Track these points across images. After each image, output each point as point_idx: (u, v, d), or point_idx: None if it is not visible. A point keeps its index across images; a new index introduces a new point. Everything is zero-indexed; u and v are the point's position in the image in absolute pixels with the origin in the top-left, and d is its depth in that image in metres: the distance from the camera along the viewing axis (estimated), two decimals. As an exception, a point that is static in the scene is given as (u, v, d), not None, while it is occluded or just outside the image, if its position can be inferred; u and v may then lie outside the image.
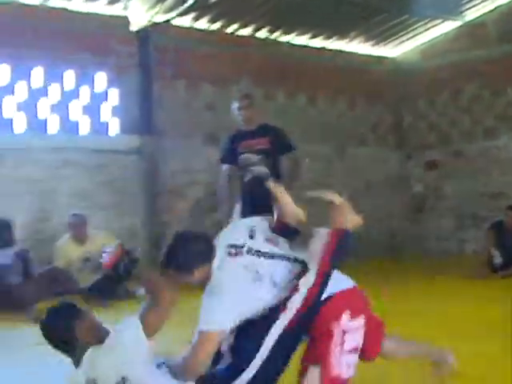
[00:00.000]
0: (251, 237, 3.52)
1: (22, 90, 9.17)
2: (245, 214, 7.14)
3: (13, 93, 9.11)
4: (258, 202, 6.77)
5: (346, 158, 12.41)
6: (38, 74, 9.26)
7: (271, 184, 4.21)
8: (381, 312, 5.31)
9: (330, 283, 3.32)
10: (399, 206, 13.06)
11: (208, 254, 3.36)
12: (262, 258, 3.40)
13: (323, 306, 3.28)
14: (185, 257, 3.32)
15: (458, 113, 12.44)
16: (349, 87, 12.41)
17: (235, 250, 3.40)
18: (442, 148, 12.61)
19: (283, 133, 7.31)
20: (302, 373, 3.23)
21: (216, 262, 3.35)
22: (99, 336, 3.09)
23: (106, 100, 9.91)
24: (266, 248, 3.46)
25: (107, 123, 9.92)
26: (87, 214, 8.35)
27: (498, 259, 8.95)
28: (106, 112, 9.89)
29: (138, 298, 7.82)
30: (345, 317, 3.30)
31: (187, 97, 10.64)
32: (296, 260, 3.44)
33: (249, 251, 3.41)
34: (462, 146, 12.32)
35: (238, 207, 7.95)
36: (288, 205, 3.80)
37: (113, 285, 7.85)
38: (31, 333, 5.71)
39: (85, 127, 9.69)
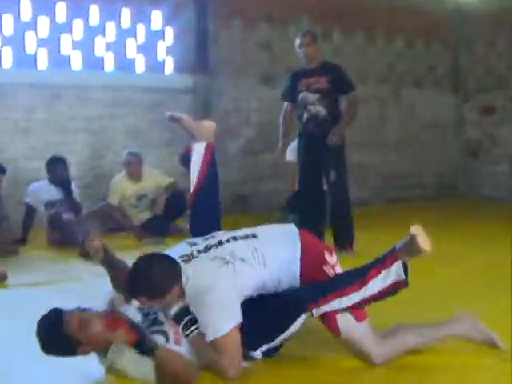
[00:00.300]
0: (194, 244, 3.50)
1: (77, 28, 9.20)
2: (300, 152, 7.19)
3: (70, 31, 9.15)
4: (313, 142, 6.90)
5: (401, 100, 12.27)
6: (94, 13, 9.28)
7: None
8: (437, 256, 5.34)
9: (289, 237, 3.50)
10: (454, 151, 12.92)
11: (176, 274, 3.26)
12: (217, 247, 3.41)
13: (304, 257, 3.43)
14: (154, 282, 3.21)
15: (517, 56, 12.17)
16: (407, 27, 12.18)
17: (187, 257, 3.37)
18: (499, 92, 12.37)
19: (344, 72, 7.06)
20: (330, 324, 3.31)
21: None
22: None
23: (162, 39, 9.90)
24: (213, 240, 3.49)
25: (162, 62, 9.93)
26: (142, 151, 8.45)
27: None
28: (161, 51, 9.90)
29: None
30: (326, 254, 3.52)
31: (243, 36, 10.55)
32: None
33: (200, 251, 3.40)
34: (519, 91, 12.09)
35: (293, 145, 7.97)
36: None
37: (165, 222, 8.01)
38: (83, 268, 5.91)
39: (140, 66, 9.72)
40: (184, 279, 3.25)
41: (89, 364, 3.35)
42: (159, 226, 7.90)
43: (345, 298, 3.28)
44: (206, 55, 10.15)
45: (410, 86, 12.29)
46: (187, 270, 3.28)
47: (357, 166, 11.38)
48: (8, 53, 8.80)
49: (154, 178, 8.36)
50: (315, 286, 3.38)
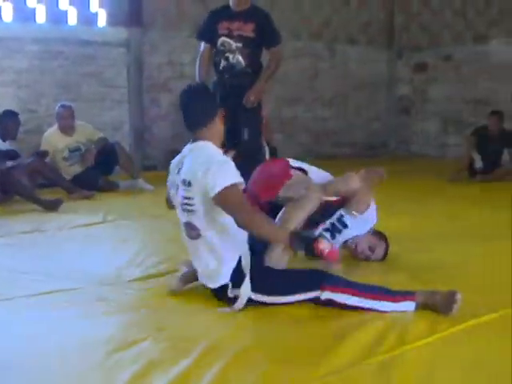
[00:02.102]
0: None
1: (9, -22, 9.02)
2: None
3: (0, -19, 8.97)
4: (229, 94, 6.19)
5: (335, 56, 12.34)
6: (26, -38, 9.11)
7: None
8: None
9: None
10: (386, 108, 13.10)
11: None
12: None
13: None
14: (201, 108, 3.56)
15: (451, 15, 12.32)
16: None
17: None
18: (432, 50, 12.55)
19: (273, 22, 6.32)
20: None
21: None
22: None
23: (95, -10, 9.76)
24: None
25: (95, 14, 9.79)
26: (74, 106, 8.39)
27: (478, 163, 9.06)
28: (94, 3, 9.75)
29: (119, 191, 8.03)
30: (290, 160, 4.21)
31: (177, -12, 10.46)
32: None
33: None
34: (452, 50, 12.26)
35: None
36: None
37: (95, 176, 8.02)
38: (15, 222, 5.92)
39: (72, 18, 9.57)
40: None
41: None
42: (90, 180, 7.91)
43: (356, 298, 3.38)
44: (140, 8, 10.03)
45: (344, 42, 12.36)
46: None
47: (288, 121, 11.51)
48: None
49: (87, 132, 8.34)
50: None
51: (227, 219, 3.42)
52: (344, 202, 4.20)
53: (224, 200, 3.33)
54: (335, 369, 2.66)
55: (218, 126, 3.57)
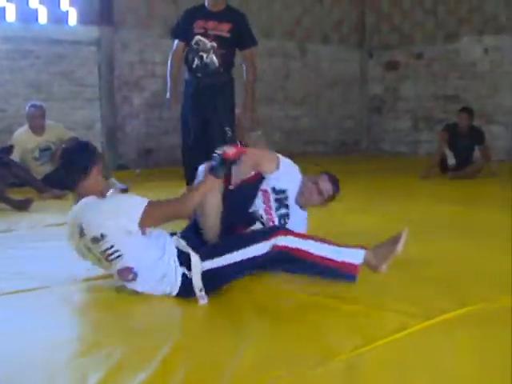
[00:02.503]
0: None
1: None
2: (186, 108, 6.49)
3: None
4: (201, 93, 6.26)
5: (307, 55, 12.38)
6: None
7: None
8: (340, 210, 5.54)
9: None
10: (358, 107, 13.16)
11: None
12: None
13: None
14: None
15: (421, 14, 12.40)
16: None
17: None
18: (402, 49, 12.64)
19: (248, 24, 6.40)
20: None
21: None
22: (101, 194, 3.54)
23: (65, -11, 9.71)
24: None
25: (66, 13, 9.74)
26: (45, 105, 8.34)
27: (451, 160, 9.11)
28: (64, 1, 9.70)
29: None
30: None
31: (148, -14, 10.44)
32: None
33: None
34: (423, 48, 12.35)
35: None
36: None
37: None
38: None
39: (42, 17, 9.51)
40: None
41: None
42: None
43: (311, 241, 3.59)
44: (111, 6, 10.00)
45: (316, 41, 12.40)
46: None
47: (262, 120, 11.49)
48: None
49: (57, 131, 8.29)
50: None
51: (146, 239, 3.46)
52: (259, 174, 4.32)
53: (151, 218, 3.41)
54: (302, 369, 2.65)
55: (96, 178, 3.57)
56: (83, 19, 9.83)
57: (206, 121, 6.33)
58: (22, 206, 6.54)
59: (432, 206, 6.69)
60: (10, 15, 9.21)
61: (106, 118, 9.98)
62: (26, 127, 8.20)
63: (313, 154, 11.85)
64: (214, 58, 6.19)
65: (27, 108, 8.21)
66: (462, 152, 9.12)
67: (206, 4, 6.30)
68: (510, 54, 11.23)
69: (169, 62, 6.49)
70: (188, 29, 6.25)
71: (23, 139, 8.11)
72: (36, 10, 9.44)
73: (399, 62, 12.70)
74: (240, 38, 6.28)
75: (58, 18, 9.64)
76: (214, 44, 6.15)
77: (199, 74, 6.28)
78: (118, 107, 10.10)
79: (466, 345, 2.90)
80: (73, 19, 9.78)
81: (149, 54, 10.36)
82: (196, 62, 6.24)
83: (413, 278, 3.85)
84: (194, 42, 6.20)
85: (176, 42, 6.43)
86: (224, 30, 6.18)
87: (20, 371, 2.67)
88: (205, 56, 6.19)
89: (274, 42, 11.68)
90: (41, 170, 8.03)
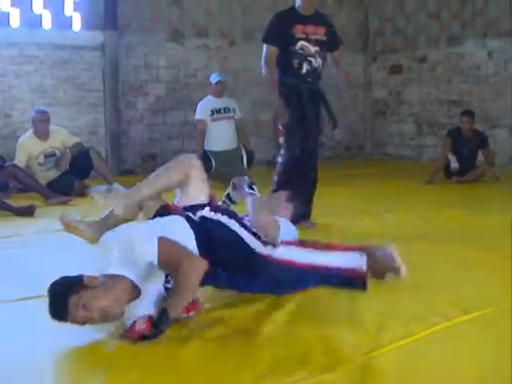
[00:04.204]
0: None
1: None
2: (295, 115, 6.05)
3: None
4: (313, 97, 6.06)
5: (311, 60, 12.36)
6: (-1, -35, 9.07)
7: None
8: (346, 211, 5.51)
9: None
10: (362, 110, 13.16)
11: None
12: None
13: None
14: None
15: (425, 18, 12.41)
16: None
17: None
18: (406, 53, 12.64)
19: (334, 25, 6.29)
20: None
21: None
22: None
23: (70, -6, 9.74)
24: None
25: (70, 18, 9.78)
26: (49, 110, 8.36)
27: (455, 164, 9.09)
28: (69, 6, 9.74)
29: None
30: None
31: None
32: None
33: None
34: (427, 52, 12.35)
35: (202, 104, 7.95)
36: None
37: (71, 181, 7.98)
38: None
39: (47, 22, 9.55)
40: None
41: None
42: (65, 185, 7.88)
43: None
44: (115, 11, 10.03)
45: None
46: None
47: (266, 124, 11.53)
48: None
49: (61, 137, 8.31)
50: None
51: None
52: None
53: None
54: (309, 375, 2.66)
55: None
56: (87, 24, 9.86)
57: (313, 127, 6.15)
58: (26, 213, 6.56)
59: (436, 211, 6.70)
60: (15, 20, 9.25)
61: (110, 123, 10.01)
62: (30, 132, 8.22)
63: (320, 158, 11.82)
64: (320, 61, 6.03)
65: (32, 113, 8.23)
66: (465, 156, 9.12)
67: (298, 7, 6.03)
68: (513, 57, 11.24)
69: (264, 66, 6.03)
70: (286, 34, 5.94)
71: (28, 145, 8.12)
72: (40, 16, 9.48)
73: (403, 65, 12.71)
74: (332, 39, 6.13)
75: (63, 23, 9.68)
76: (317, 48, 5.95)
77: (309, 79, 6.02)
78: (123, 112, 10.12)
79: (469, 351, 2.92)
80: (77, 24, 9.82)
81: (153, 58, 10.39)
82: (305, 67, 5.97)
83: (415, 281, 3.86)
84: (297, 47, 5.92)
85: (268, 46, 6.02)
86: (321, 33, 6.01)
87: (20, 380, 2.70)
88: (313, 61, 5.98)
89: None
90: (46, 175, 8.05)
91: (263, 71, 6.02)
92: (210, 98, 8.75)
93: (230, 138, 8.68)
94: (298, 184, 5.84)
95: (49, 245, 5.25)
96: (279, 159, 6.07)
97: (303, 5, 5.99)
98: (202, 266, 3.23)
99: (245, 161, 8.48)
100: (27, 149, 8.09)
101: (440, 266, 4.37)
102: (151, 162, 10.40)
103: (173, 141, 10.49)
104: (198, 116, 8.71)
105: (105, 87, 9.96)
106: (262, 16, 11.26)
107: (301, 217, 5.58)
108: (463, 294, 3.73)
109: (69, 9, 9.72)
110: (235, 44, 11.29)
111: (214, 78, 8.76)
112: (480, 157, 9.37)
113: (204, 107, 8.67)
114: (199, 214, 3.60)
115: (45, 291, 3.12)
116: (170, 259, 3.20)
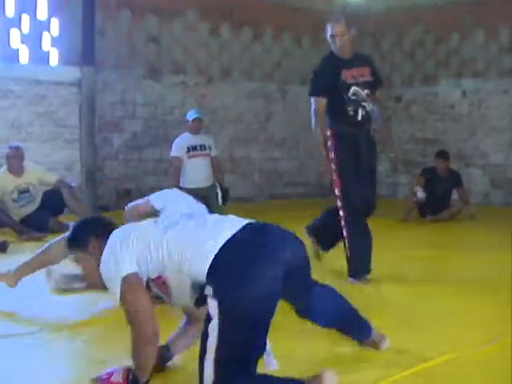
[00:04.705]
0: None
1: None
2: (352, 165, 5.77)
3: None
4: (370, 143, 5.85)
5: (287, 98, 12.45)
6: (-23, 1, 9.07)
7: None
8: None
9: None
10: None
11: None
12: None
13: None
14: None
15: (400, 57, 12.55)
16: (295, 25, 12.34)
17: None
18: (382, 91, 12.67)
19: (374, 63, 6.08)
20: None
21: None
22: None
23: (48, 29, 9.72)
24: None
25: (48, 53, 9.77)
26: (24, 146, 8.33)
27: (421, 194, 9.10)
28: (46, 42, 9.74)
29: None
30: None
31: (130, 28, 10.47)
32: None
33: None
34: (402, 91, 12.48)
35: (177, 142, 7.97)
36: None
37: (45, 218, 7.93)
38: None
39: (24, 57, 9.53)
40: None
41: None
42: (39, 221, 7.82)
43: None
44: (93, 47, 10.01)
45: (295, 83, 12.47)
46: None
47: (242, 161, 11.56)
48: None
49: (37, 173, 8.27)
50: None
51: None
52: None
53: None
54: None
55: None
56: (65, 60, 9.85)
57: (373, 177, 6.07)
58: None
59: (411, 249, 6.73)
60: (-9, 55, 9.23)
61: (85, 159, 9.96)
62: (4, 168, 8.17)
63: (293, 196, 11.89)
64: (371, 105, 5.77)
65: (6, 149, 8.19)
66: (440, 195, 9.18)
67: (339, 52, 5.75)
68: (487, 97, 11.38)
69: (314, 119, 5.77)
70: (335, 82, 5.67)
71: (2, 181, 8.07)
72: (17, 50, 9.46)
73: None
74: (375, 79, 5.89)
75: (40, 58, 9.66)
76: (367, 91, 5.70)
77: (366, 125, 5.79)
78: (98, 148, 10.09)
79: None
80: (54, 60, 9.81)
81: (130, 95, 10.40)
82: (361, 113, 5.67)
83: (390, 322, 3.85)
84: (350, 93, 5.64)
85: (315, 99, 5.76)
86: (367, 74, 5.77)
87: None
88: (366, 105, 5.71)
89: (254, 84, 11.77)
90: (19, 211, 8.00)
91: (312, 125, 5.75)
92: (186, 134, 8.74)
93: (206, 176, 8.66)
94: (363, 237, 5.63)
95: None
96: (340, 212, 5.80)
97: (340, 51, 5.73)
98: (151, 339, 2.89)
99: (220, 198, 8.46)
100: (1, 185, 8.03)
101: (414, 308, 4.38)
102: (126, 198, 10.35)
103: (148, 177, 10.46)
104: (173, 153, 8.69)
105: (81, 123, 9.92)
106: (239, 54, 11.43)
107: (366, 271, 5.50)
108: (440, 335, 3.74)
109: (46, 44, 9.71)
110: (212, 81, 11.34)
111: (191, 115, 8.75)
112: (454, 195, 9.44)
113: (180, 144, 8.66)
114: None
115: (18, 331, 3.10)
116: (125, 310, 2.93)
